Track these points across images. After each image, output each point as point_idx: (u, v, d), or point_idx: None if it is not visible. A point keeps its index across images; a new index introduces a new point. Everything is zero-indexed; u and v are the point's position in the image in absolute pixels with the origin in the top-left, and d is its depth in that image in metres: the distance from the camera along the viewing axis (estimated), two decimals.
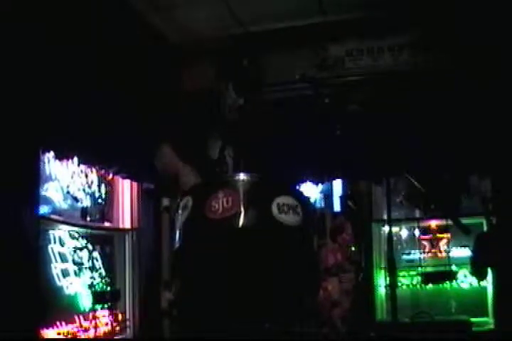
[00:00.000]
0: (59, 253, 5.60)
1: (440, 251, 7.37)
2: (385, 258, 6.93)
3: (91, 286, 5.99)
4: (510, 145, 5.91)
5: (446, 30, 6.24)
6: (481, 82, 5.97)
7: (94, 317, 5.94)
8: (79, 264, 5.88)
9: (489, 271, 5.49)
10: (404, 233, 7.59)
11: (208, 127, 3.09)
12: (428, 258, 7.41)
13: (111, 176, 6.44)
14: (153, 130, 6.18)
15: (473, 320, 6.47)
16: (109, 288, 6.32)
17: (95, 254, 6.19)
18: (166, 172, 3.16)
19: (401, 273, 7.15)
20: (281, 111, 6.06)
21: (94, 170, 6.17)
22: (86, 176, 6.13)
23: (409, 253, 7.46)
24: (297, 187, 2.97)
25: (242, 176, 2.48)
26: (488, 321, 6.63)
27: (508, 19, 5.79)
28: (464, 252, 7.09)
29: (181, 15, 6.34)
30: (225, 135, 3.11)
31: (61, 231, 5.69)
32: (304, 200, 2.54)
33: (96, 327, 5.90)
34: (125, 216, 6.78)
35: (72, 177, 5.88)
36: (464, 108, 6.11)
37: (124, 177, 6.47)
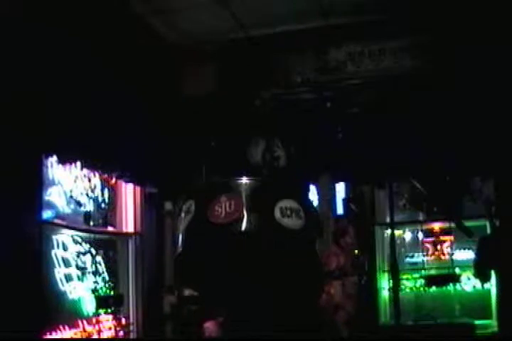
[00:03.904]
0: (62, 258, 5.60)
1: (443, 254, 7.37)
2: (388, 261, 6.94)
3: (94, 291, 5.99)
4: None
5: (446, 33, 6.24)
6: (482, 84, 5.97)
7: (98, 322, 5.94)
8: (82, 269, 5.88)
9: (493, 273, 5.47)
10: (407, 236, 7.59)
11: (247, 133, 3.08)
12: (431, 260, 7.41)
13: (114, 180, 6.45)
14: (156, 134, 6.22)
15: (476, 322, 6.47)
16: (112, 293, 6.32)
17: (98, 259, 6.19)
18: None
19: (404, 276, 7.14)
20: (283, 115, 6.06)
21: (97, 174, 6.17)
22: (89, 180, 6.13)
23: (412, 256, 7.46)
24: (302, 190, 2.96)
25: (244, 180, 2.48)
26: (491, 323, 6.61)
27: (508, 21, 5.79)
28: (467, 254, 7.09)
29: (182, 19, 6.35)
30: (273, 131, 3.09)
31: (64, 236, 5.69)
32: (306, 204, 2.54)
33: (99, 331, 5.89)
34: (128, 220, 6.77)
35: (75, 181, 5.88)
36: (466, 110, 6.10)
37: (126, 182, 6.47)
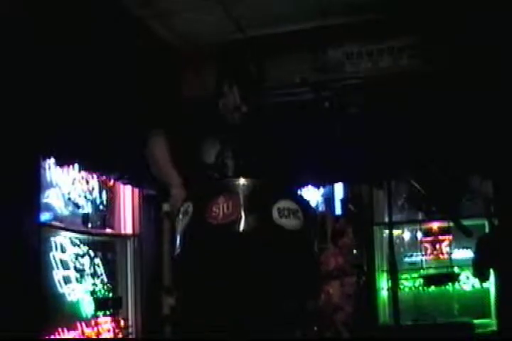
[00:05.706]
0: (60, 260, 5.59)
1: (442, 253, 7.37)
2: (386, 261, 6.93)
3: (93, 293, 5.97)
4: (511, 147, 5.90)
5: (445, 33, 6.24)
6: (481, 83, 5.97)
7: (97, 324, 5.93)
8: (80, 271, 5.87)
9: (491, 272, 5.48)
10: (406, 235, 7.59)
11: (204, 132, 3.07)
12: (430, 260, 7.40)
13: (112, 182, 6.44)
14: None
15: (475, 321, 6.47)
16: (111, 295, 6.31)
17: (97, 261, 6.18)
18: (154, 164, 3.15)
19: (403, 276, 7.14)
20: (281, 115, 6.05)
21: (95, 176, 6.16)
22: (87, 182, 6.13)
23: (411, 256, 7.45)
24: (298, 191, 2.95)
25: (242, 181, 2.46)
26: (490, 322, 6.61)
27: (507, 20, 5.79)
28: (466, 254, 7.08)
29: (181, 21, 6.34)
30: (226, 137, 3.08)
31: (62, 238, 5.68)
32: (304, 204, 2.52)
33: (98, 333, 5.88)
34: (126, 222, 6.77)
35: (73, 183, 5.88)
36: (464, 109, 6.10)
37: (124, 183, 6.46)
